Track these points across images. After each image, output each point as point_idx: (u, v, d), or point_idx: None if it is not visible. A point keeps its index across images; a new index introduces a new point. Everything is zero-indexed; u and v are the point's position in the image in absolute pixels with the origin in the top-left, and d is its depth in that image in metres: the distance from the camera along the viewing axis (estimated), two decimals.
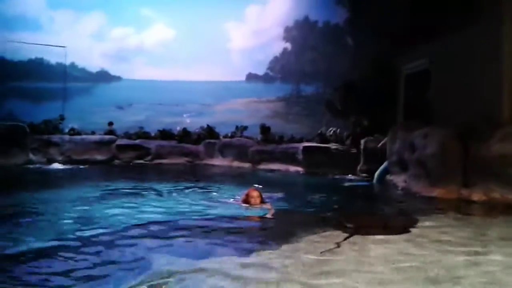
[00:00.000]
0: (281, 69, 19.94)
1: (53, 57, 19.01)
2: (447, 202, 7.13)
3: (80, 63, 19.70)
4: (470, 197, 7.16)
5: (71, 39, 18.90)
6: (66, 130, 15.75)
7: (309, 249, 3.85)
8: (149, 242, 4.18)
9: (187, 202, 6.91)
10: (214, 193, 8.08)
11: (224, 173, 13.17)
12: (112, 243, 4.13)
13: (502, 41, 8.44)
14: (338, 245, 3.99)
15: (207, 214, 5.85)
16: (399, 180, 9.42)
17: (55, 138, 14.68)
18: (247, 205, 6.24)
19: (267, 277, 3.00)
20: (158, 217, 5.50)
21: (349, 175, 11.90)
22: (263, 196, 6.42)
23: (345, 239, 4.24)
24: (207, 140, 16.05)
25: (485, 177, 7.13)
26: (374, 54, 13.79)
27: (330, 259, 3.51)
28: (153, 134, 16.74)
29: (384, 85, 13.39)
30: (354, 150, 12.82)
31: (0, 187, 8.16)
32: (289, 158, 13.92)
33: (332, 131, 14.46)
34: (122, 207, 6.22)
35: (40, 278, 3.16)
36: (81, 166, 13.39)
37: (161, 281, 2.90)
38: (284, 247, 3.93)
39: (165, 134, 16.61)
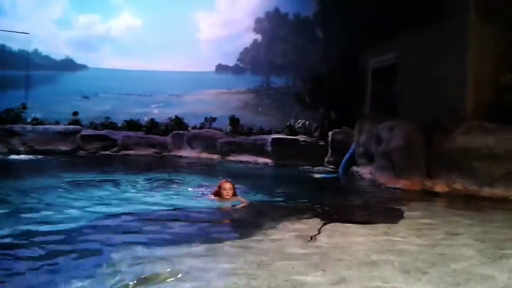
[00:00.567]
0: (251, 61, 19.90)
1: (15, 44, 18.41)
2: (411, 193, 7.29)
3: (44, 50, 19.15)
4: (433, 188, 7.33)
5: (35, 25, 18.35)
6: (29, 120, 15.25)
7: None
8: (113, 234, 4.08)
9: (154, 194, 6.79)
10: (185, 186, 7.92)
11: (192, 165, 13.04)
12: (74, 235, 4.02)
13: (468, 38, 8.62)
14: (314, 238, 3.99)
15: (177, 206, 5.76)
16: (365, 171, 9.57)
17: (17, 127, 14.20)
18: (217, 198, 5.97)
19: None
20: (121, 210, 5.38)
21: (317, 167, 12.00)
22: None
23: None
24: (175, 131, 15.85)
25: (448, 169, 7.31)
26: (343, 48, 13.88)
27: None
28: (119, 125, 16.40)
29: (352, 79, 13.52)
30: (322, 142, 12.93)
31: None
32: (258, 149, 13.92)
33: (300, 123, 14.53)
34: (87, 199, 6.06)
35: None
36: (40, 156, 12.98)
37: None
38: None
39: (132, 124, 16.31)
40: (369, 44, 12.59)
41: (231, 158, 14.19)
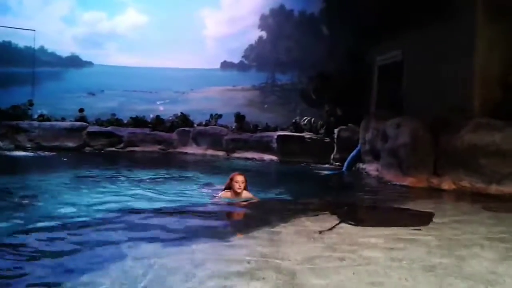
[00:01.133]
0: (256, 58, 19.87)
1: (21, 41, 18.42)
2: (418, 190, 7.30)
3: (50, 47, 19.17)
4: (440, 185, 7.33)
5: (41, 22, 18.39)
6: (35, 116, 15.32)
7: None
8: (123, 229, 4.12)
9: (161, 190, 6.83)
10: (192, 184, 7.93)
11: (198, 162, 13.09)
12: (82, 229, 4.07)
13: (475, 35, 8.60)
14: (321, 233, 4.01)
15: (183, 203, 5.79)
16: (371, 168, 9.59)
17: (24, 124, 14.28)
18: (228, 194, 5.78)
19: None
20: (129, 205, 5.43)
21: (323, 164, 12.02)
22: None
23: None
24: (181, 128, 15.88)
25: (455, 167, 7.30)
26: (349, 45, 13.87)
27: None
28: (125, 121, 16.44)
29: (358, 76, 13.52)
30: (327, 139, 12.95)
31: None
32: (264, 146, 13.94)
33: (306, 120, 14.54)
34: (93, 194, 6.11)
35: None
36: (44, 153, 13.05)
37: None
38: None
39: (138, 121, 16.34)
40: (376, 41, 12.58)
41: (236, 155, 14.22)
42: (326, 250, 3.41)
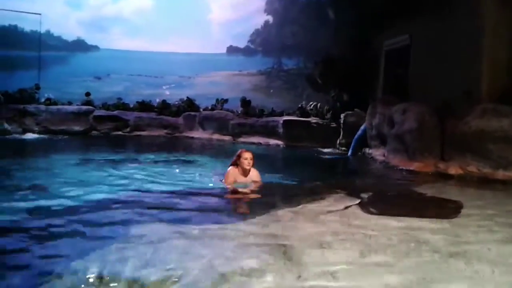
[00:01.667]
0: (262, 42, 19.78)
1: (27, 25, 18.39)
2: (425, 175, 7.33)
3: (56, 31, 19.13)
4: (447, 170, 7.35)
5: (46, 6, 18.30)
6: (42, 100, 15.38)
7: None
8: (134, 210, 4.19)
9: (169, 174, 6.90)
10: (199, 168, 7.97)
11: (204, 146, 13.15)
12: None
13: (484, 20, 8.54)
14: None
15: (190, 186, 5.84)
16: (377, 153, 9.61)
17: (31, 107, 14.34)
18: (236, 171, 5.65)
19: None
20: (137, 187, 5.51)
21: (328, 149, 12.06)
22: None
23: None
24: (187, 113, 15.91)
25: (462, 152, 7.32)
26: (356, 29, 13.78)
27: None
28: (131, 106, 16.49)
29: (365, 60, 13.46)
30: (334, 124, 12.96)
31: None
32: (270, 131, 13.97)
33: (312, 105, 14.52)
34: (101, 177, 6.19)
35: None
36: (53, 136, 13.20)
37: None
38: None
39: (144, 105, 16.38)
40: (383, 25, 12.49)
41: (242, 139, 14.25)
42: (331, 233, 3.46)
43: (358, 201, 4.74)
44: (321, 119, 13.72)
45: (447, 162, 7.58)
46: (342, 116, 12.25)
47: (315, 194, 5.17)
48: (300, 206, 4.46)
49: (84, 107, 15.28)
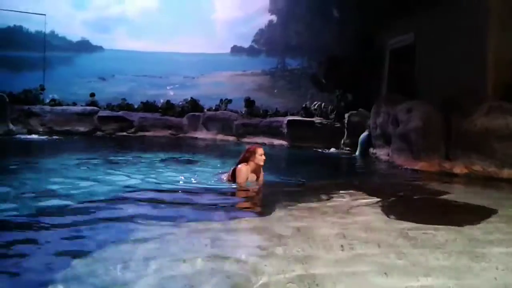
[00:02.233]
0: (266, 42, 19.77)
1: (32, 25, 18.50)
2: (430, 174, 7.28)
3: (60, 31, 19.22)
4: (452, 169, 7.30)
5: (51, 7, 18.37)
6: (47, 101, 15.44)
7: None
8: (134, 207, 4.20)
9: (173, 173, 6.88)
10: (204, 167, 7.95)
11: (209, 146, 13.15)
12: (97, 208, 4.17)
13: (488, 17, 8.48)
14: None
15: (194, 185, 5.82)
16: (382, 153, 9.57)
17: (36, 108, 14.41)
18: (247, 167, 5.45)
19: None
20: (141, 186, 5.50)
21: (333, 149, 12.03)
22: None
23: None
24: (191, 113, 15.92)
25: (467, 151, 7.27)
26: (360, 28, 13.75)
27: None
28: (136, 106, 16.52)
29: (369, 60, 13.41)
30: (338, 124, 12.92)
31: None
32: (274, 131, 13.97)
33: (316, 105, 14.49)
34: (106, 176, 6.18)
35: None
36: (55, 137, 13.23)
37: None
38: None
39: (148, 106, 16.41)
40: (387, 24, 12.44)
41: (246, 140, 14.23)
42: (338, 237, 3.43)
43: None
44: (325, 119, 13.68)
45: (452, 161, 7.52)
46: (346, 116, 12.21)
47: (319, 193, 5.14)
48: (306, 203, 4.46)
49: (89, 108, 15.33)
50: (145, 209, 4.13)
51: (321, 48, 16.04)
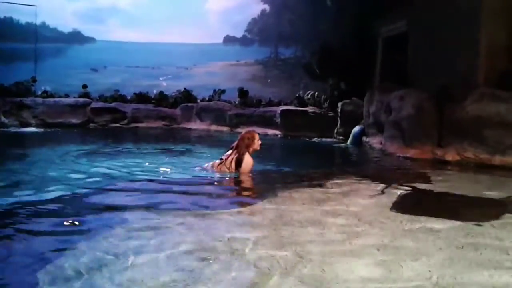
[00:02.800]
0: (259, 32, 19.66)
1: (23, 17, 18.27)
2: (422, 162, 7.31)
3: (52, 23, 19.01)
4: (444, 157, 7.33)
5: None
6: (39, 93, 15.33)
7: None
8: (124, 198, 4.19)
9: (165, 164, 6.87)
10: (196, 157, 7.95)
11: (203, 137, 13.14)
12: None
13: (481, 4, 8.45)
14: None
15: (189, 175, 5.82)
16: (375, 141, 9.59)
17: (28, 100, 14.30)
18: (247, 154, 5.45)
19: None
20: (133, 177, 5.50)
21: (326, 138, 12.05)
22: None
23: None
24: (184, 104, 15.88)
25: (460, 138, 7.28)
26: (353, 17, 13.68)
27: None
28: (129, 97, 16.43)
29: (362, 49, 13.37)
30: (331, 113, 12.92)
31: None
32: (267, 121, 13.95)
33: (310, 95, 14.48)
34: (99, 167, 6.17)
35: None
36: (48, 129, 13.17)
37: None
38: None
39: (141, 97, 16.33)
40: (380, 12, 12.39)
41: (240, 130, 14.16)
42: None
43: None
44: (319, 108, 13.68)
45: (444, 148, 7.54)
46: (339, 105, 12.20)
47: (312, 180, 5.18)
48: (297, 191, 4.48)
49: (81, 100, 15.24)
50: (138, 199, 4.13)
51: (314, 37, 15.98)
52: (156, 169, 6.12)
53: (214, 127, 14.88)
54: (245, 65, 19.26)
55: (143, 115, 15.45)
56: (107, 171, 5.83)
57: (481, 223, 3.28)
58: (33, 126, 13.58)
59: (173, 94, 16.52)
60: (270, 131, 13.58)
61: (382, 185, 4.80)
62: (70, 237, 2.93)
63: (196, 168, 6.05)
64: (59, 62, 18.27)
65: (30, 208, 3.73)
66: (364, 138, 10.34)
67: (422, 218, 3.39)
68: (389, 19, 12.21)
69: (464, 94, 7.48)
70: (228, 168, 5.47)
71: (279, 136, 13.23)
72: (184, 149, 9.08)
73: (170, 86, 17.74)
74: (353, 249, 2.67)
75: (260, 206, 3.84)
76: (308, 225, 3.19)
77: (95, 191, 4.50)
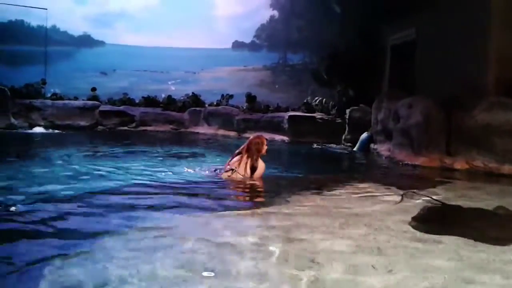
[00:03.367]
0: (268, 38, 19.73)
1: (34, 20, 18.45)
2: (430, 170, 7.30)
3: (62, 26, 19.17)
4: (452, 165, 7.32)
5: (52, 1, 18.34)
6: (48, 95, 15.47)
7: None
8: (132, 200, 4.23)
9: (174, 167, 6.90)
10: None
11: (210, 141, 13.17)
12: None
13: (491, 13, 8.46)
14: None
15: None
16: (383, 149, 9.58)
17: (37, 102, 14.44)
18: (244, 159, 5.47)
19: None
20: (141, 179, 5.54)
21: (334, 144, 12.04)
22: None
23: None
24: (192, 108, 15.95)
25: (468, 146, 7.28)
26: (361, 24, 13.72)
27: None
28: (137, 101, 16.54)
29: (371, 55, 13.40)
30: (339, 120, 12.93)
31: None
32: (275, 127, 13.97)
33: (317, 101, 14.51)
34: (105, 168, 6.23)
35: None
36: (57, 131, 13.32)
37: None
38: None
39: (149, 101, 16.44)
40: (389, 20, 12.42)
41: (247, 135, 14.18)
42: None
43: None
44: (327, 114, 13.70)
45: (453, 156, 7.54)
46: (347, 111, 12.21)
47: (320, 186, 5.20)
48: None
49: (90, 102, 15.35)
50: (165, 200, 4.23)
51: (323, 44, 16.03)
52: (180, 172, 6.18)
53: (221, 132, 14.92)
54: (253, 70, 19.31)
55: (151, 119, 15.54)
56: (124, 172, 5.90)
57: None
58: (42, 128, 13.66)
59: (181, 98, 16.62)
60: (278, 137, 13.59)
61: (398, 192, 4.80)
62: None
63: (206, 171, 6.10)
64: (68, 65, 18.40)
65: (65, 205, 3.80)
66: (372, 145, 10.34)
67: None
68: (397, 27, 12.23)
69: (473, 103, 7.47)
70: (243, 175, 5.46)
71: (286, 141, 13.23)
72: (195, 153, 9.12)
73: (178, 90, 17.83)
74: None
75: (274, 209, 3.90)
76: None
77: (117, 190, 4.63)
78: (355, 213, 3.81)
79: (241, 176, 5.45)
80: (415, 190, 4.95)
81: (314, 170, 7.51)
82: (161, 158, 8.07)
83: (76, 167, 6.26)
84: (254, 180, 5.42)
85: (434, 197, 4.61)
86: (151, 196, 4.44)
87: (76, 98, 15.74)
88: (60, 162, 6.87)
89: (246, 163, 5.46)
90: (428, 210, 4.13)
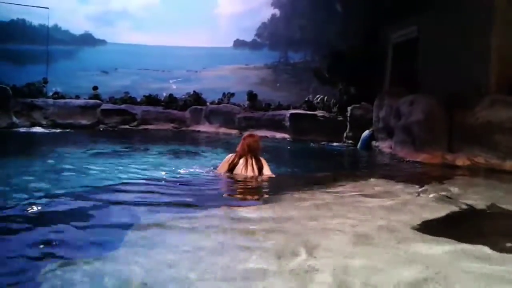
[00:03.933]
0: (269, 36, 19.75)
1: (35, 19, 18.52)
2: (432, 166, 7.29)
3: (64, 25, 19.23)
4: (454, 162, 7.30)
5: (54, 0, 18.37)
6: (50, 94, 15.50)
7: None
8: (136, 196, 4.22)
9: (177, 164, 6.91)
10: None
11: (212, 139, 13.18)
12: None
13: (493, 11, 8.43)
14: None
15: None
16: (384, 146, 9.58)
17: (39, 101, 14.46)
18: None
19: None
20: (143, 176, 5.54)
21: (335, 142, 12.04)
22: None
23: None
24: (194, 107, 15.96)
25: (470, 143, 7.27)
26: (363, 22, 13.70)
27: None
28: (139, 100, 16.56)
29: (372, 53, 13.37)
30: (340, 118, 12.91)
31: None
32: (276, 125, 13.98)
33: (319, 99, 14.49)
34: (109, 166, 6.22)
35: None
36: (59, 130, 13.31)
37: None
38: None
39: (151, 99, 16.45)
40: (390, 18, 12.39)
41: (249, 133, 14.20)
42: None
43: None
44: (328, 112, 13.68)
45: (454, 153, 7.53)
46: (349, 109, 12.20)
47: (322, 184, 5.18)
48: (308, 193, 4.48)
49: (92, 101, 15.37)
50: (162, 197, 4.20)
51: (324, 42, 16.04)
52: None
53: (223, 130, 14.93)
54: (254, 69, 19.32)
55: (152, 117, 15.55)
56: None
57: None
58: (44, 127, 13.68)
59: (183, 97, 16.62)
60: (279, 135, 13.61)
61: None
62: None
63: (205, 169, 6.10)
64: (70, 64, 18.46)
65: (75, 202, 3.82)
66: (373, 143, 10.33)
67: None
68: (399, 25, 12.20)
69: (474, 101, 7.47)
70: (253, 176, 5.36)
71: (287, 139, 13.23)
72: (197, 151, 9.12)
73: (179, 89, 17.86)
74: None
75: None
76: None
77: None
78: (369, 207, 3.81)
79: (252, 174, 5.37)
80: (426, 186, 4.91)
81: (318, 168, 7.46)
82: (162, 156, 8.07)
83: (75, 166, 6.24)
84: (265, 177, 5.34)
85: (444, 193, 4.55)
86: (151, 194, 4.42)
87: (77, 97, 15.76)
88: (57, 160, 6.87)
89: (252, 163, 5.41)
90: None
